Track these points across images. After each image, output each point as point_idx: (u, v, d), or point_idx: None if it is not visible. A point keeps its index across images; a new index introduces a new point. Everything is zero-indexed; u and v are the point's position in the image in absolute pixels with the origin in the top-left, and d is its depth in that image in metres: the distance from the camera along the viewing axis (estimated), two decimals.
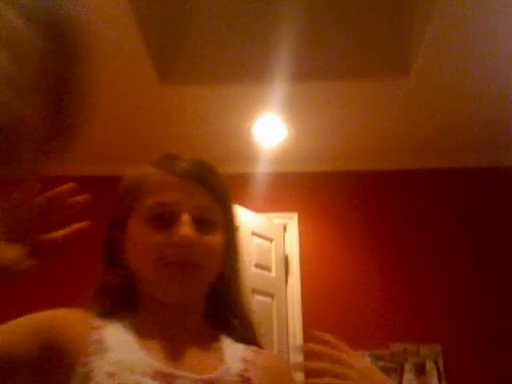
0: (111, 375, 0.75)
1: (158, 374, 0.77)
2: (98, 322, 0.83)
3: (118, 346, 0.79)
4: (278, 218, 3.67)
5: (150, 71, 2.80)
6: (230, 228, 0.95)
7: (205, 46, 2.98)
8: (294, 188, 3.72)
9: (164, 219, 0.86)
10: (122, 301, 0.89)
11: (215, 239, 0.89)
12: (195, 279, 0.86)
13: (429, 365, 3.23)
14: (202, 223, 0.88)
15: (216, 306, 0.93)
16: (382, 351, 3.28)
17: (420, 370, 3.22)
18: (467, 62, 2.76)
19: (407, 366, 3.23)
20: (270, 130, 3.38)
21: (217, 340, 0.89)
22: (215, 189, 0.92)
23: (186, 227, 0.85)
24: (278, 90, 2.95)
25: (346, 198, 3.69)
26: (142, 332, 0.83)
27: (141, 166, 0.94)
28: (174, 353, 0.83)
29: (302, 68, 2.89)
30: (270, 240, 3.52)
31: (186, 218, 0.86)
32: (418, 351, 3.28)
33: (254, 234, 3.38)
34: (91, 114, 0.52)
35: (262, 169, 3.67)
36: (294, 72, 2.86)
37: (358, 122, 3.33)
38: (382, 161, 3.73)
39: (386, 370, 3.15)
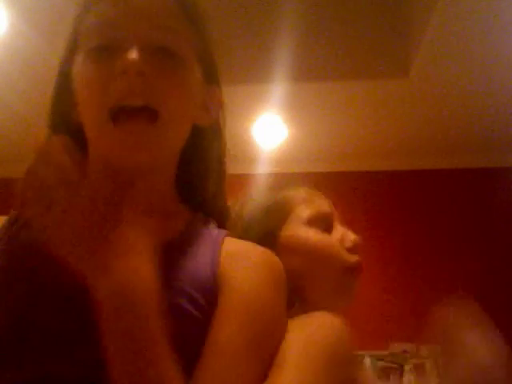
0: None
1: None
2: None
3: None
4: None
5: None
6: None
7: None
8: None
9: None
10: None
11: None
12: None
13: (429, 365, 3.23)
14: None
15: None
16: (382, 351, 3.28)
17: (420, 371, 3.22)
18: (467, 61, 2.75)
19: (407, 367, 3.22)
20: (269, 130, 3.38)
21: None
22: None
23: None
24: (278, 90, 2.95)
25: (346, 199, 3.68)
26: None
27: None
28: None
29: (301, 68, 2.89)
30: None
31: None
32: (418, 351, 3.27)
33: None
34: None
35: (262, 169, 3.66)
36: (293, 72, 2.85)
37: (358, 122, 3.32)
38: (382, 161, 3.72)
39: (386, 371, 3.14)
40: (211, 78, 0.72)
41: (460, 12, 2.42)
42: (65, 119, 0.67)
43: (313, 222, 0.83)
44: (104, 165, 0.61)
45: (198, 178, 0.73)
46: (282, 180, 0.95)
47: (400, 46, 2.91)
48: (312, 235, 0.83)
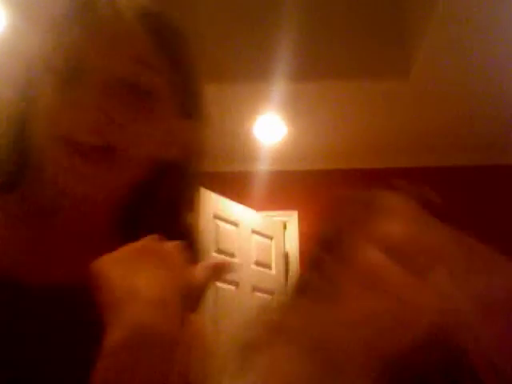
0: None
1: None
2: None
3: None
4: (278, 216, 3.67)
5: None
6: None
7: (205, 45, 2.97)
8: (294, 186, 3.71)
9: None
10: None
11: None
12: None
13: None
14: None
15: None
16: None
17: None
18: (467, 62, 2.76)
19: None
20: (270, 128, 3.38)
21: None
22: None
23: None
24: (278, 89, 2.95)
25: None
26: None
27: None
28: None
29: (302, 67, 2.89)
30: (270, 238, 3.52)
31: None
32: None
33: (254, 231, 3.38)
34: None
35: (263, 167, 3.66)
36: (294, 71, 2.85)
37: (358, 121, 3.33)
38: (381, 159, 3.73)
39: None
40: (189, 111, 0.66)
41: (460, 13, 2.43)
42: (21, 137, 0.63)
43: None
44: (56, 189, 0.60)
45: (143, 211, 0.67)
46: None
47: (400, 46, 2.91)
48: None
